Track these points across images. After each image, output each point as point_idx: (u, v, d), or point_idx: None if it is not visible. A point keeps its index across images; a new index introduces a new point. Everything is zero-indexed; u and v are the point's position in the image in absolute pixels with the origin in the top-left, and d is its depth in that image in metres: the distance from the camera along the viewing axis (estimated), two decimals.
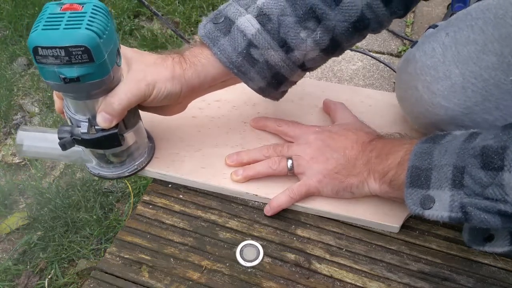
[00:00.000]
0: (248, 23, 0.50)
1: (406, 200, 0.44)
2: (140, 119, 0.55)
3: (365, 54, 1.40)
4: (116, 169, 0.56)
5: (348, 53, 1.42)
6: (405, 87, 0.57)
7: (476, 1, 0.52)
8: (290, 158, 0.57)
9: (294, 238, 0.55)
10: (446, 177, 0.41)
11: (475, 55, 0.48)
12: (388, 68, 1.37)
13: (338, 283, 0.51)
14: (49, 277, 1.00)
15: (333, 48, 0.54)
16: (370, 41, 1.46)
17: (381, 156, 0.51)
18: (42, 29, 0.40)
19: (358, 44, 1.45)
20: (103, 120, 0.47)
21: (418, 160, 0.44)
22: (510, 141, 0.38)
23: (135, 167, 0.58)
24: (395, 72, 1.36)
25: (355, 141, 0.55)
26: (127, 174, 0.57)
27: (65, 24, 0.40)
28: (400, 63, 0.60)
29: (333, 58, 1.41)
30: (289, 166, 0.56)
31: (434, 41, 0.52)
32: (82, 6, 0.42)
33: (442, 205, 0.41)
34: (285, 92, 0.60)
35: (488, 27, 0.47)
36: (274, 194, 0.57)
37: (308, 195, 0.56)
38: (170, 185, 0.61)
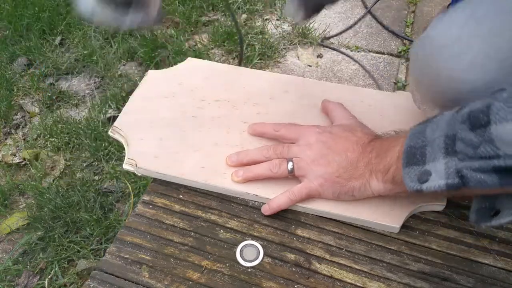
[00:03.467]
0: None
1: (405, 180, 0.44)
2: None
3: (352, 58, 1.41)
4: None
5: (348, 53, 1.42)
6: (421, 67, 0.56)
7: None
8: (291, 160, 0.56)
9: (294, 238, 0.55)
10: (439, 147, 0.42)
11: (495, 28, 0.47)
12: (387, 68, 1.37)
13: (338, 283, 0.51)
14: (49, 277, 0.99)
15: None
16: (370, 41, 1.46)
17: (380, 155, 0.51)
18: None
19: (358, 44, 1.45)
20: None
21: (412, 140, 0.45)
22: (494, 98, 0.38)
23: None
24: (371, 75, 1.36)
25: (356, 143, 0.55)
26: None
27: None
28: (414, 46, 0.58)
29: (333, 58, 1.40)
30: (289, 169, 0.56)
31: (451, 17, 0.51)
32: None
33: (438, 174, 0.41)
34: None
35: None
36: (275, 195, 0.57)
37: (308, 198, 0.56)
38: (170, 185, 0.61)
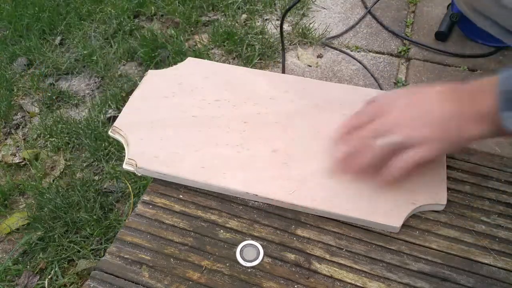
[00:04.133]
0: None
1: (506, 125, 0.45)
2: None
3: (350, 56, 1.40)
4: None
5: (348, 53, 1.42)
6: None
7: None
8: (386, 135, 0.53)
9: (294, 238, 0.55)
10: None
11: None
12: (387, 68, 1.37)
13: (338, 283, 0.51)
14: (49, 277, 0.99)
15: None
16: (370, 41, 1.46)
17: (469, 100, 0.50)
18: None
19: (358, 44, 1.45)
20: None
21: (504, 85, 0.45)
22: None
23: None
24: (373, 76, 1.36)
25: (439, 92, 0.53)
26: None
27: None
28: None
29: (333, 58, 1.39)
30: (389, 143, 0.53)
31: None
32: None
33: None
34: None
35: None
36: (275, 194, 0.57)
37: (420, 161, 0.53)
38: (170, 185, 0.61)
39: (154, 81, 0.73)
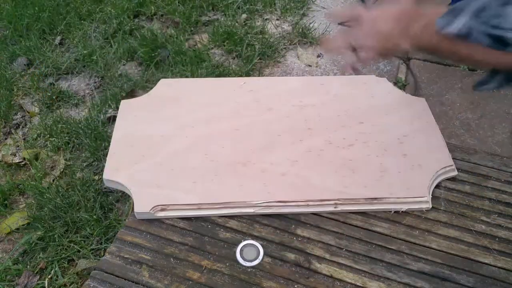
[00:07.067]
0: None
1: (437, 22, 0.51)
2: None
3: None
4: None
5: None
6: None
7: None
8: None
9: (294, 238, 0.55)
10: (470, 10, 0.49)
11: None
12: (387, 68, 1.37)
13: (338, 283, 0.51)
14: (49, 277, 0.99)
15: None
16: None
17: (407, 26, 0.56)
18: None
19: None
20: None
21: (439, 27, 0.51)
22: None
23: None
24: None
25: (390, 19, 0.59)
26: None
27: None
28: None
29: (333, 58, 1.40)
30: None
31: None
32: None
33: (458, 23, 0.49)
34: None
35: None
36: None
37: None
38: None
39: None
